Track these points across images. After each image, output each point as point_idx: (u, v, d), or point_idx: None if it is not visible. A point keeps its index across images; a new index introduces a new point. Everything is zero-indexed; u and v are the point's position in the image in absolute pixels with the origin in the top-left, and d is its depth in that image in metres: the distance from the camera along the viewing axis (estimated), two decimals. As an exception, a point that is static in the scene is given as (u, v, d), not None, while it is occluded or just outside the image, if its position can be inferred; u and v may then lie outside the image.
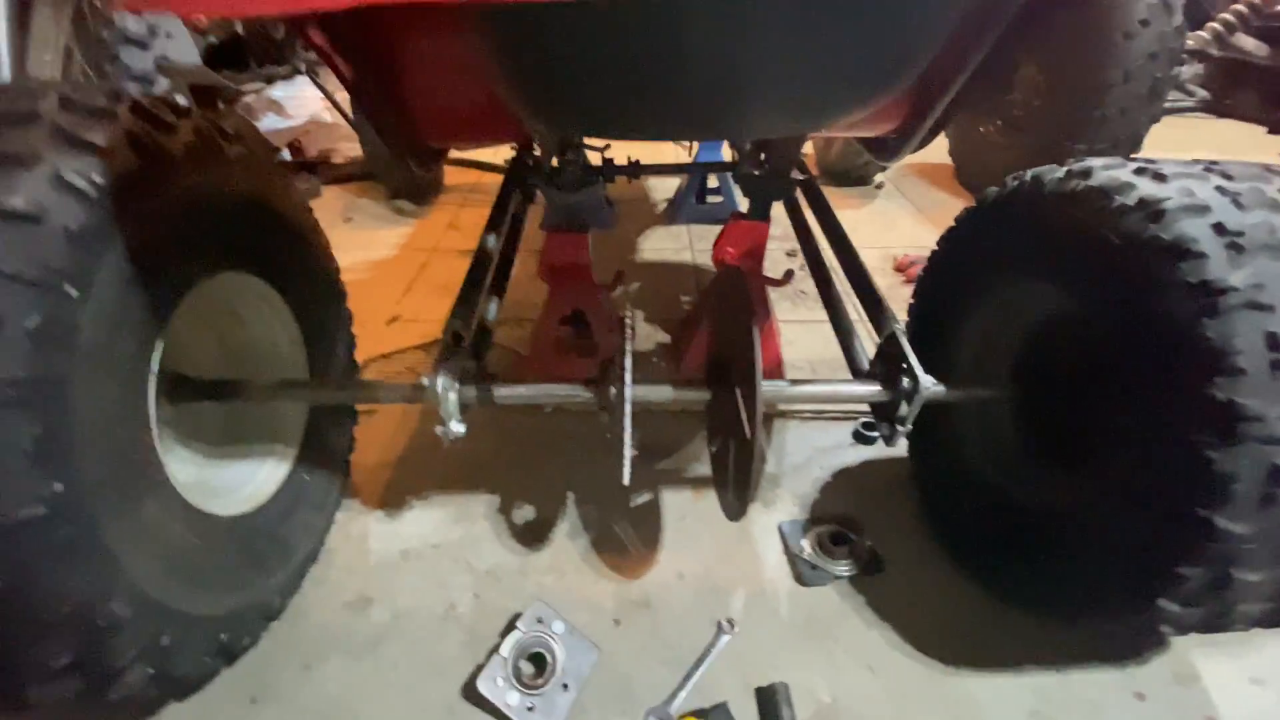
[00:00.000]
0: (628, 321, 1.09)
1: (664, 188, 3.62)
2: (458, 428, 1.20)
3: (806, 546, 1.49)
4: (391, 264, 2.83)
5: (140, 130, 0.88)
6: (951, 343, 1.40)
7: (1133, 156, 1.14)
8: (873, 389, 1.24)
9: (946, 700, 1.24)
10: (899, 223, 3.34)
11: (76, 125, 0.80)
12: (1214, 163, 1.07)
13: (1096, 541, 1.11)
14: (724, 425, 1.24)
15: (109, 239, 0.81)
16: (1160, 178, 1.02)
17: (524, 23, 0.79)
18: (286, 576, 1.30)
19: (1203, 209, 0.94)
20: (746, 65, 0.84)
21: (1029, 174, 1.21)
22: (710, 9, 0.74)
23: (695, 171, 2.92)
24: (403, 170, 3.30)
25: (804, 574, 1.45)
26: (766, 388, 1.23)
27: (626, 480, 1.17)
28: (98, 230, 0.80)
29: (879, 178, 3.79)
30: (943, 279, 1.45)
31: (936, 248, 1.46)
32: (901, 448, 1.77)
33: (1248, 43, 4.26)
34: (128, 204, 0.84)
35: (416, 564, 1.48)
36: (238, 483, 1.23)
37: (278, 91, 4.04)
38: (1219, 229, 0.91)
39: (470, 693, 1.21)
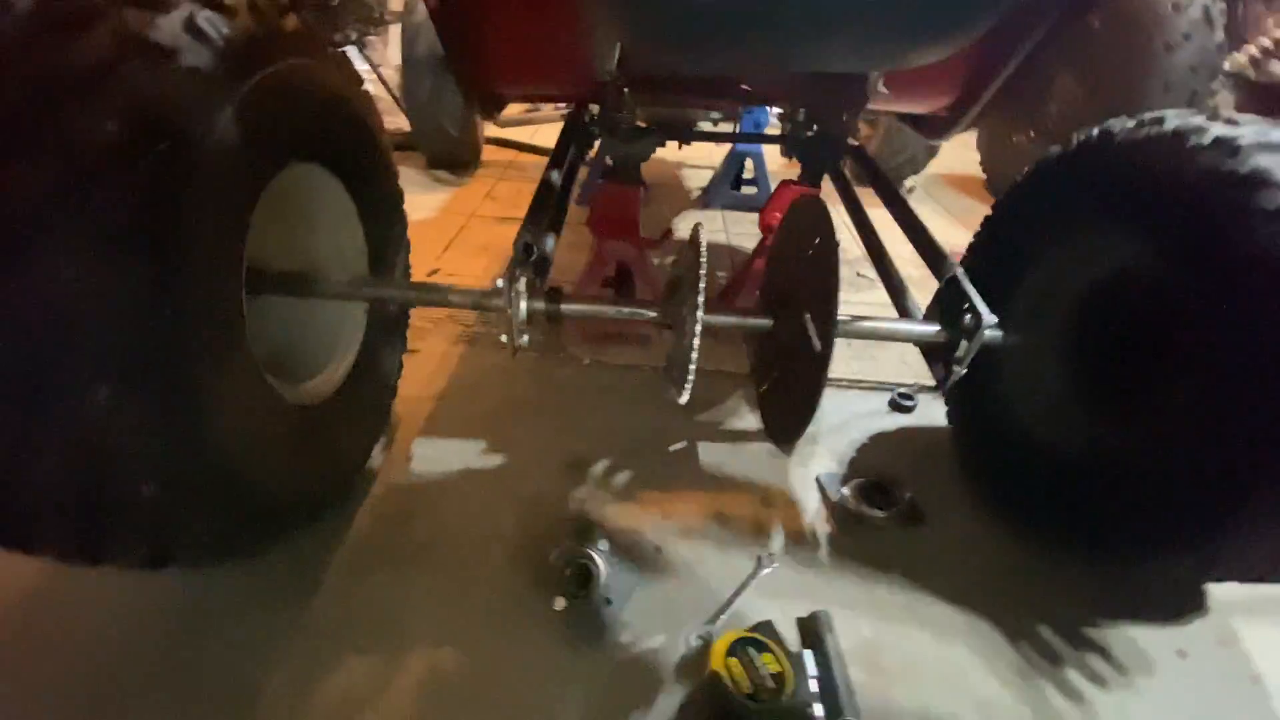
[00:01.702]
0: (701, 237, 1.11)
1: (698, 178, 3.67)
2: (525, 338, 1.21)
3: (846, 494, 1.49)
4: (431, 225, 2.88)
5: (261, 2, 0.91)
6: (1006, 296, 1.41)
7: None
8: (932, 328, 1.26)
9: (989, 646, 1.23)
10: (931, 221, 3.36)
11: None
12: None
13: (1153, 488, 1.12)
14: (780, 355, 1.26)
15: (227, 92, 0.84)
16: (1232, 123, 1.05)
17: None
18: (336, 478, 1.31)
19: (1277, 147, 0.97)
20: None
21: (1096, 128, 1.24)
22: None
23: (744, 141, 2.93)
24: (446, 140, 3.36)
25: (843, 521, 1.46)
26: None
27: (684, 399, 1.19)
28: (221, 78, 0.83)
29: (909, 181, 3.84)
30: (1002, 233, 1.47)
31: (995, 206, 1.48)
32: (938, 416, 1.80)
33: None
34: (245, 64, 0.87)
35: (460, 488, 1.49)
36: (296, 379, 1.25)
37: (325, 62, 4.12)
38: (1292, 163, 0.93)
39: (513, 601, 1.21)
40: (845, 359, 2.10)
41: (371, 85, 3.98)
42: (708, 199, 3.25)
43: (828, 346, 1.01)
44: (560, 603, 1.17)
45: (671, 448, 1.66)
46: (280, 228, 1.25)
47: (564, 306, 1.22)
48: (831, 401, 1.90)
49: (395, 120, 3.77)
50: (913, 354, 2.14)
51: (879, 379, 2.01)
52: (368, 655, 1.12)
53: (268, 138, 0.97)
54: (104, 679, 1.06)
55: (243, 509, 1.00)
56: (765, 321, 1.25)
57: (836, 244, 1.09)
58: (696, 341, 1.08)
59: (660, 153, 4.06)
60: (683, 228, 3.03)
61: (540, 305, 1.21)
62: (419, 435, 1.63)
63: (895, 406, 1.88)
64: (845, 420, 1.82)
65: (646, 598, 1.25)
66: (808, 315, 1.13)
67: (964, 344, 1.20)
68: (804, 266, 1.19)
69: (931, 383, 1.96)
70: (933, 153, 3.56)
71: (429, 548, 1.33)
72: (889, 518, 1.45)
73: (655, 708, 1.08)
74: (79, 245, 0.71)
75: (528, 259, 1.22)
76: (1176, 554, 1.09)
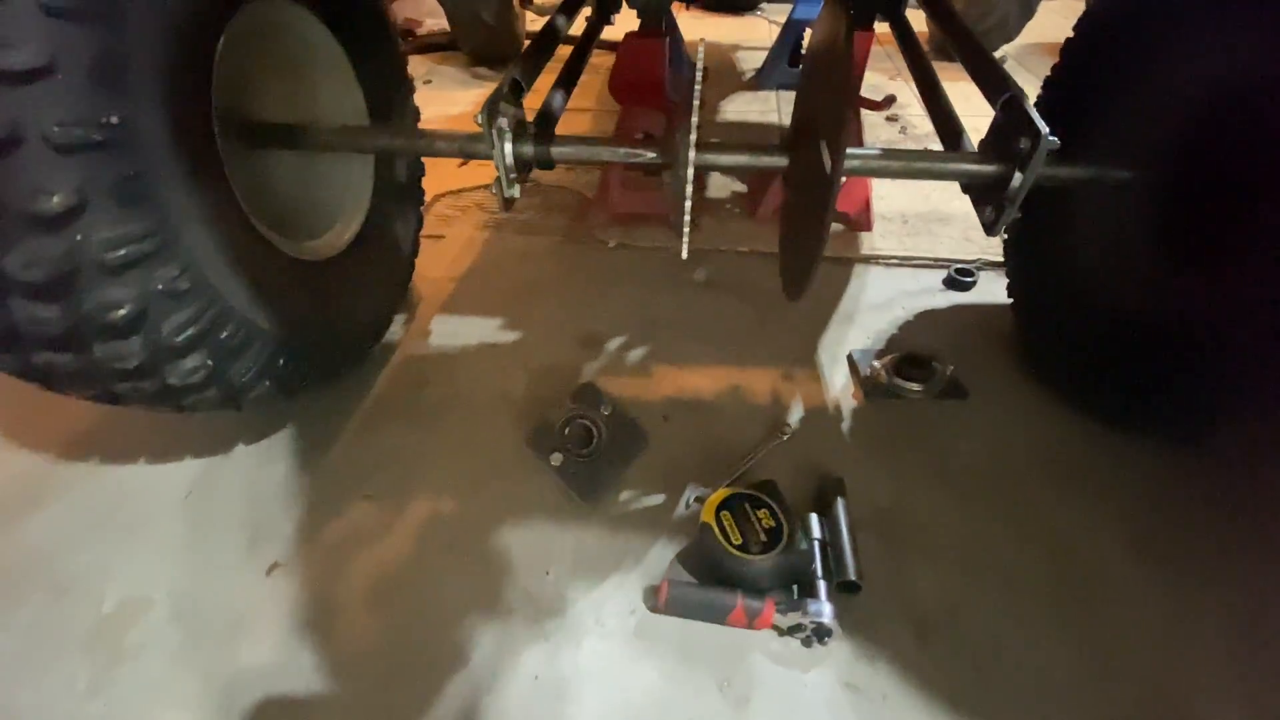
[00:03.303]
0: (699, 62, 0.96)
1: (752, 59, 3.35)
2: (512, 190, 1.14)
3: (878, 368, 1.37)
4: (466, 118, 2.80)
5: None
6: (1089, 122, 1.18)
7: None
8: (979, 164, 1.07)
9: (1025, 520, 1.12)
10: (1021, 95, 2.93)
11: None
12: None
13: (1238, 353, 0.93)
14: (796, 194, 1.12)
15: None
16: None
17: None
18: (350, 339, 1.33)
19: None
20: None
21: None
22: None
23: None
24: (484, 32, 3.22)
25: (872, 394, 1.34)
26: (858, 153, 1.09)
27: (684, 253, 1.08)
28: None
29: (1000, 51, 3.33)
30: (1084, 56, 1.21)
31: (1083, 17, 1.21)
32: (999, 294, 1.60)
33: None
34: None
35: (474, 358, 1.49)
36: (309, 234, 1.25)
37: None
38: None
39: (516, 458, 1.21)
40: (900, 235, 1.90)
41: (411, -18, 3.85)
42: (761, 79, 2.96)
43: (837, 165, 0.86)
44: (558, 458, 1.15)
45: (695, 324, 1.57)
46: (274, 80, 1.22)
47: (554, 149, 1.13)
48: (877, 279, 1.73)
49: (438, 21, 3.65)
50: (977, 229, 1.90)
51: (936, 256, 1.80)
52: (376, 500, 1.16)
53: None
54: (134, 505, 1.16)
55: (249, 351, 1.02)
56: (780, 159, 1.10)
57: (851, 60, 0.92)
58: (689, 173, 0.96)
59: (713, 34, 3.76)
60: (730, 111, 2.79)
61: (528, 149, 1.11)
62: (439, 312, 1.63)
63: (951, 284, 1.69)
64: (890, 298, 1.65)
65: (650, 462, 1.21)
66: (823, 142, 0.97)
67: (1018, 176, 1.00)
68: (820, 90, 1.02)
69: (997, 258, 1.76)
70: (1028, 13, 3.04)
71: (441, 409, 1.35)
72: (924, 391, 1.32)
73: (647, 557, 1.06)
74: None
75: (515, 97, 1.13)
76: (1254, 433, 0.92)
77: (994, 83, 1.11)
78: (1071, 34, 1.25)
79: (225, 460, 1.24)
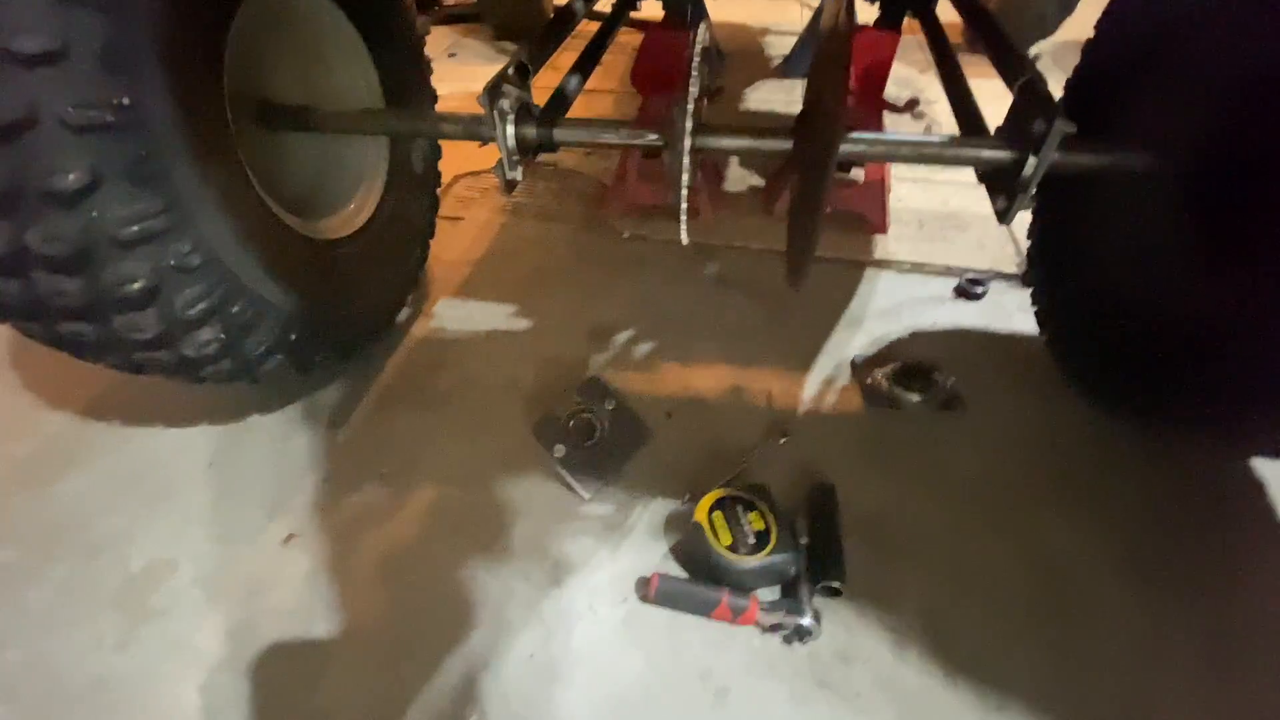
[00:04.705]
0: (698, 42, 0.95)
1: (781, 44, 3.29)
2: (515, 173, 1.14)
3: (880, 376, 1.39)
4: (490, 96, 2.80)
5: None
6: (1115, 110, 1.15)
7: None
8: (993, 150, 1.03)
9: (1013, 534, 1.15)
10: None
11: None
12: None
13: (1257, 361, 0.93)
14: (801, 179, 1.11)
15: None
16: None
17: None
18: (363, 320, 1.37)
19: None
20: None
21: None
22: None
23: None
24: (510, 6, 3.20)
25: (871, 400, 1.36)
26: (866, 138, 1.08)
27: (684, 239, 1.09)
28: None
29: (1035, 49, 3.24)
30: (1120, 30, 1.17)
31: (1111, 3, 1.18)
32: (1009, 307, 1.60)
33: None
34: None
35: (485, 344, 1.53)
36: (323, 213, 1.29)
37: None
38: None
39: (522, 447, 1.26)
40: (914, 240, 1.89)
41: (439, -49, 3.80)
42: (787, 67, 2.92)
43: (833, 148, 0.85)
44: (560, 450, 1.20)
45: (702, 318, 1.60)
46: (291, 62, 1.24)
47: (556, 132, 1.13)
48: (888, 285, 1.74)
49: (464, -10, 3.62)
50: (992, 238, 1.90)
51: (949, 263, 1.80)
52: (385, 482, 1.22)
53: None
54: (161, 472, 1.23)
55: (261, 326, 1.06)
56: (784, 142, 1.08)
57: (851, 32, 0.90)
58: (686, 149, 0.96)
59: (742, 16, 3.69)
60: (753, 100, 2.76)
61: (531, 131, 1.12)
62: (453, 296, 1.67)
63: (961, 293, 1.69)
64: (898, 304, 1.66)
65: (650, 458, 1.25)
66: (819, 122, 0.97)
67: (1031, 160, 0.97)
68: (822, 74, 1.01)
69: (1010, 270, 1.76)
70: (1068, 9, 2.95)
71: (452, 394, 1.40)
72: (924, 402, 1.34)
73: (641, 549, 1.11)
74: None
75: (520, 79, 1.13)
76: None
77: (1012, 67, 1.08)
78: (1098, 22, 1.22)
79: (245, 432, 1.30)
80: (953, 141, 1.06)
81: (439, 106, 1.56)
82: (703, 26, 0.92)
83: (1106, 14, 1.21)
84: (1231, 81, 1.01)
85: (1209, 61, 1.03)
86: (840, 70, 0.87)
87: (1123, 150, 1.06)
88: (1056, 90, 1.05)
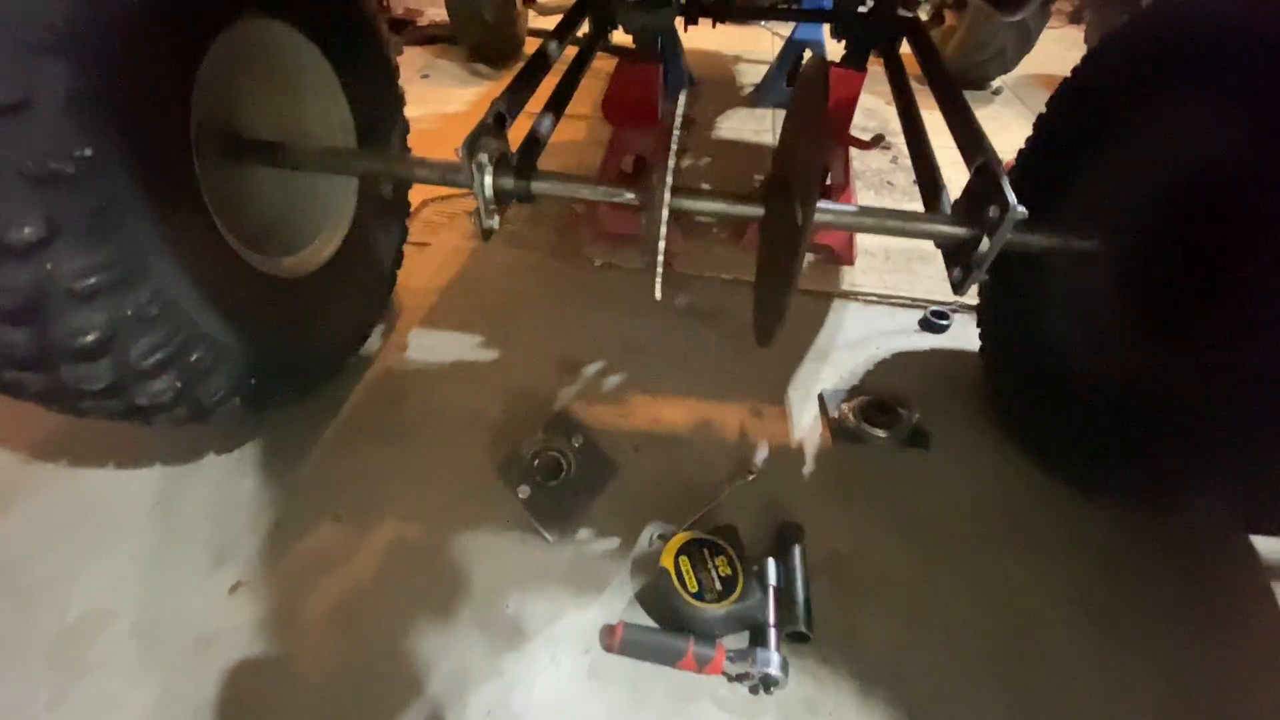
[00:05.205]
0: (678, 109, 0.97)
1: (753, 73, 3.36)
2: (491, 222, 1.14)
3: (846, 411, 1.40)
4: (463, 118, 2.78)
5: None
6: (1062, 190, 1.21)
7: None
8: (950, 226, 1.09)
9: (977, 574, 1.16)
10: (1012, 127, 2.96)
11: None
12: None
13: (1199, 428, 0.97)
14: (771, 244, 1.13)
15: None
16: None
17: None
18: (323, 356, 1.33)
19: None
20: None
21: None
22: None
23: (784, 19, 2.57)
24: (483, 29, 3.20)
25: (839, 438, 1.37)
26: (832, 209, 1.11)
27: (658, 294, 1.10)
28: None
29: (996, 83, 3.37)
30: (1058, 128, 1.25)
31: (1053, 97, 1.25)
32: (972, 339, 1.63)
33: None
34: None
35: (451, 376, 1.50)
36: (287, 249, 1.25)
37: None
38: None
39: (485, 486, 1.23)
40: (880, 273, 1.93)
41: (414, -29, 3.80)
42: (758, 96, 2.97)
43: (806, 223, 0.87)
44: (525, 491, 1.17)
45: (672, 354, 1.60)
46: (262, 96, 1.21)
47: (534, 184, 1.13)
48: (855, 317, 1.76)
49: (440, 11, 3.61)
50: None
51: (914, 296, 1.84)
52: (342, 522, 1.17)
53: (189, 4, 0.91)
54: (101, 512, 1.17)
55: (219, 372, 1.02)
56: (756, 208, 1.12)
57: (825, 110, 0.93)
58: (663, 228, 0.98)
59: (714, 44, 3.75)
60: (725, 128, 2.80)
61: (509, 182, 1.12)
62: (419, 325, 1.64)
63: (926, 326, 1.72)
64: (864, 336, 1.68)
65: (617, 496, 1.24)
66: (795, 186, 0.99)
67: (985, 240, 1.03)
68: (796, 144, 1.04)
69: (972, 302, 1.80)
70: (1026, 47, 3.07)
71: (414, 428, 1.36)
72: (889, 439, 1.35)
73: (606, 594, 1.08)
74: None
75: (498, 129, 1.13)
76: (1218, 502, 0.96)
77: (971, 144, 1.13)
78: (1048, 104, 1.28)
79: (194, 470, 1.25)
80: (914, 217, 1.11)
81: (413, 129, 1.55)
82: (682, 96, 0.93)
83: (1055, 96, 1.27)
84: (1172, 171, 1.07)
85: (1151, 150, 1.09)
86: (816, 152, 0.90)
87: (1070, 233, 1.11)
88: (1017, 120, 1.09)
